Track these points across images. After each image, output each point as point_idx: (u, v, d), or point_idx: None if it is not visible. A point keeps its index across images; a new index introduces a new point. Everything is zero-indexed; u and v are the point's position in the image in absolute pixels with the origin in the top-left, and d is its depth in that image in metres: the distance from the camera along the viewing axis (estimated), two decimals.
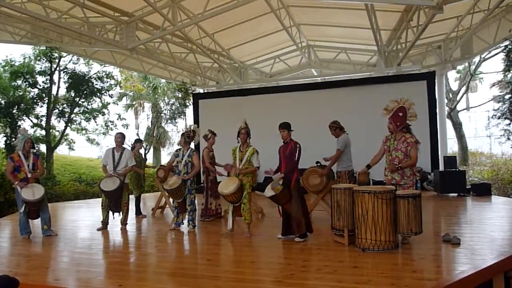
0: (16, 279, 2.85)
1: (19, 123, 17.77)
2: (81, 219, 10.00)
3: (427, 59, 15.46)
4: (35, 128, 18.74)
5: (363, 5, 11.35)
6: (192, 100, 17.19)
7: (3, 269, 5.27)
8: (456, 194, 11.29)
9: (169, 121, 22.64)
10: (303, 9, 13.41)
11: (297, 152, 6.23)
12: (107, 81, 19.87)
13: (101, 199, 7.74)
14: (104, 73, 19.71)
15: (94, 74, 19.49)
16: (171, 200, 7.98)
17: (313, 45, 16.80)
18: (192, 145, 7.82)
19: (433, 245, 5.69)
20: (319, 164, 7.87)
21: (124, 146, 7.89)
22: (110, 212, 7.70)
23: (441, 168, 12.54)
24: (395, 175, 5.91)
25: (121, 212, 7.74)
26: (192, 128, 7.57)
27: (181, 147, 7.42)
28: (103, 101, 20.35)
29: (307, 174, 7.56)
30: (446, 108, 17.77)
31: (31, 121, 18.61)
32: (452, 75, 24.80)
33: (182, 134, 7.42)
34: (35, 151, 7.45)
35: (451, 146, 20.87)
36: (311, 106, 13.83)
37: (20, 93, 18.11)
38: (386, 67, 14.26)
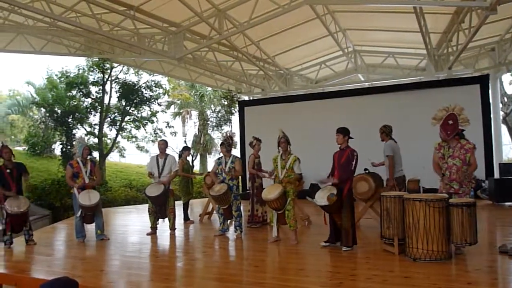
0: (76, 281, 2.96)
1: (74, 131, 18.66)
2: (131, 224, 10.30)
3: (480, 62, 14.85)
4: (88, 136, 19.60)
5: (411, 8, 11.08)
6: (238, 107, 17.41)
7: (59, 270, 5.52)
8: None
9: (215, 128, 23.05)
10: (349, 14, 13.25)
11: (354, 160, 6.02)
12: (156, 90, 20.56)
13: (148, 205, 7.96)
14: (153, 82, 20.39)
15: (143, 83, 20.18)
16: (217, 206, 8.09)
17: (359, 50, 16.53)
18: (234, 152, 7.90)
19: (489, 256, 5.45)
20: (367, 171, 7.72)
21: (167, 152, 8.09)
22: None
23: (496, 175, 11.97)
24: (453, 183, 5.67)
25: (168, 218, 7.92)
26: (229, 135, 7.66)
27: (223, 155, 7.50)
28: (152, 110, 21.02)
29: (355, 182, 7.42)
30: (501, 113, 17.00)
31: (85, 129, 19.49)
32: (507, 78, 23.67)
33: (222, 144, 7.48)
34: (91, 158, 7.79)
35: (507, 153, 19.93)
36: (358, 112, 13.57)
37: (75, 103, 19.06)
38: (436, 71, 13.82)
